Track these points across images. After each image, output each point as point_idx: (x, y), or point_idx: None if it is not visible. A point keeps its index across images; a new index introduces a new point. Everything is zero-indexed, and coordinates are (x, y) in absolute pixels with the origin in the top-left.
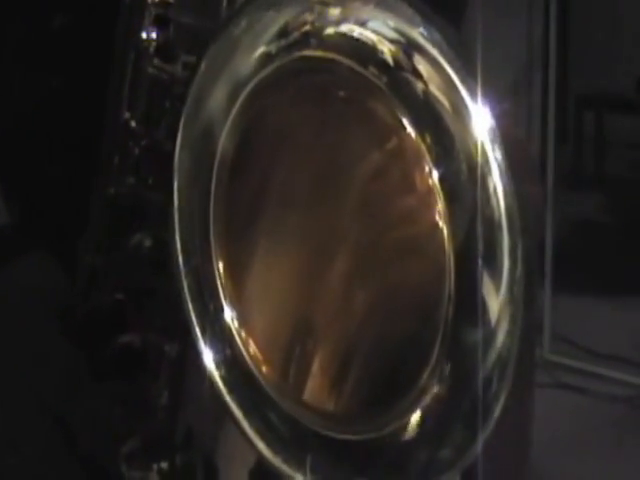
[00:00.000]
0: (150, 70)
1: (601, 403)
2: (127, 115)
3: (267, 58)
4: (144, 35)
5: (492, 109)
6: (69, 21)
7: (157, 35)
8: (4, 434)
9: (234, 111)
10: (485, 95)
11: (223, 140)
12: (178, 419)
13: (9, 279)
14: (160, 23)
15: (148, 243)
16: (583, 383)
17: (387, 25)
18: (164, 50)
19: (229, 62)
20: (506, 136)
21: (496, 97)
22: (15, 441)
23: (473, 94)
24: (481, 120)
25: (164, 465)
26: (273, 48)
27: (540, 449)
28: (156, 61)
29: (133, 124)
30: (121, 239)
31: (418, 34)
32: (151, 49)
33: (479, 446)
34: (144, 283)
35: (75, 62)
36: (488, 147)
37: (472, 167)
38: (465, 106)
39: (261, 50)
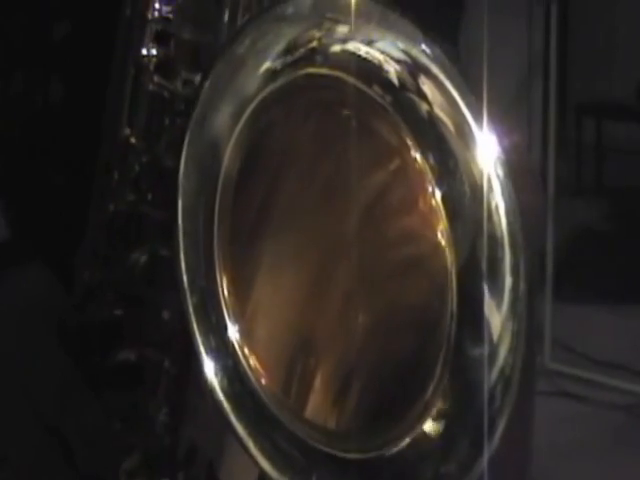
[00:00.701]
0: (150, 87)
1: (601, 411)
2: (127, 131)
3: (272, 74)
4: (144, 51)
5: (498, 138)
6: (69, 35)
7: (157, 51)
8: None
9: (238, 128)
10: (491, 122)
11: (227, 157)
12: (180, 435)
13: (6, 291)
14: (160, 39)
15: (147, 259)
16: (583, 391)
17: (394, 45)
18: (164, 67)
19: (234, 79)
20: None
21: (503, 126)
22: (8, 455)
23: (478, 119)
24: (487, 148)
25: None
26: (278, 64)
27: (541, 456)
28: (156, 78)
29: (133, 140)
30: (120, 254)
31: (422, 53)
32: (151, 65)
33: (484, 462)
34: (143, 299)
35: (75, 76)
36: (490, 166)
37: (474, 187)
38: (469, 127)
39: (266, 66)
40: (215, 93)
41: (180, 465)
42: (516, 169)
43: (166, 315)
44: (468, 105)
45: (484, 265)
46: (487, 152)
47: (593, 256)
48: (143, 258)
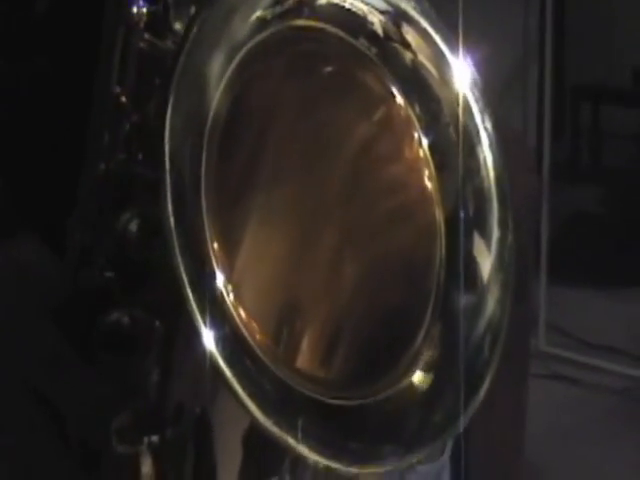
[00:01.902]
0: (141, 45)
1: (596, 394)
2: (117, 90)
3: (262, 23)
4: (134, 9)
5: (473, 61)
6: None
7: (148, 9)
8: None
9: (227, 75)
10: (466, 49)
11: (215, 106)
12: (169, 393)
13: None
14: None
15: (139, 219)
16: (578, 374)
17: None
18: (155, 24)
19: (224, 27)
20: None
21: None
22: None
23: (454, 50)
24: (463, 73)
25: (155, 439)
26: (268, 14)
27: (535, 440)
28: (147, 35)
29: (123, 99)
30: (111, 216)
31: (407, 4)
32: (141, 23)
33: (465, 413)
34: (134, 260)
35: (65, 36)
36: (478, 118)
37: (460, 134)
38: (452, 74)
39: (257, 14)
40: (204, 40)
41: (169, 421)
42: (509, 147)
43: (157, 275)
44: (453, 53)
45: (472, 214)
46: (467, 85)
47: (588, 240)
48: (135, 219)
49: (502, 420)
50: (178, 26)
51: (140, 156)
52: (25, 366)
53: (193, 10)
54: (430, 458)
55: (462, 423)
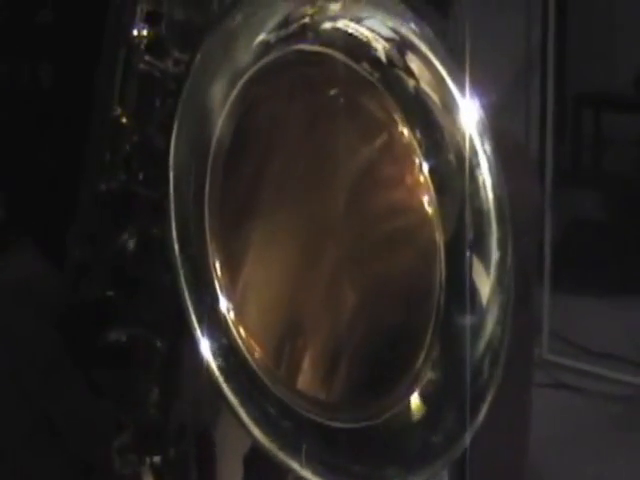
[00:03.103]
0: (141, 66)
1: (599, 402)
2: (118, 111)
3: (266, 47)
4: (135, 31)
5: (480, 101)
6: (60, 15)
7: (148, 31)
8: None
9: (230, 100)
10: (474, 88)
11: (219, 131)
12: (171, 413)
13: None
14: (151, 19)
15: (139, 238)
16: (581, 383)
17: (382, 23)
18: (155, 46)
19: (226, 53)
20: (502, 135)
21: (485, 90)
22: None
23: (462, 88)
24: (469, 113)
25: (157, 459)
26: (272, 37)
27: (538, 448)
28: (147, 57)
29: (124, 120)
30: (111, 234)
31: (411, 31)
32: (142, 45)
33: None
34: (134, 278)
35: (66, 57)
36: (477, 141)
37: (461, 161)
38: (454, 101)
39: (260, 39)
40: (207, 67)
41: (171, 441)
42: (511, 157)
43: (158, 295)
44: (454, 80)
45: (471, 236)
46: (472, 122)
47: (591, 247)
48: (134, 238)
49: (505, 428)
50: (177, 53)
51: (140, 176)
52: (24, 382)
53: (194, 33)
54: (438, 471)
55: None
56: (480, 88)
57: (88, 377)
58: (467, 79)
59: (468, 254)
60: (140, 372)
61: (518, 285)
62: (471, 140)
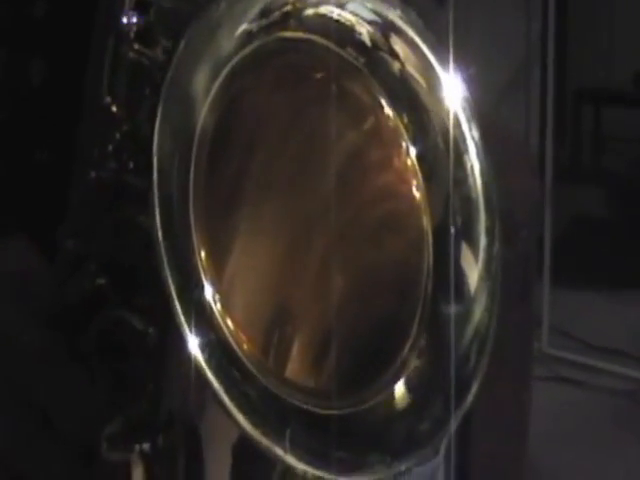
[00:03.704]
0: (131, 55)
1: (599, 397)
2: (108, 100)
3: (248, 37)
4: (124, 19)
5: (464, 77)
6: (50, 5)
7: (137, 19)
8: None
9: (214, 89)
10: (457, 64)
11: (203, 119)
12: (160, 401)
13: None
14: (141, 7)
15: (130, 227)
16: (581, 377)
17: (365, 7)
18: (145, 35)
19: (210, 42)
20: (502, 131)
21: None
22: None
23: (445, 65)
24: (453, 89)
25: (146, 446)
26: (254, 27)
27: (538, 442)
28: (137, 46)
29: (114, 109)
30: (102, 223)
31: (395, 15)
32: (131, 34)
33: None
34: (125, 267)
35: (55, 47)
36: (465, 126)
37: (449, 145)
38: (440, 83)
39: (243, 28)
40: (190, 55)
41: (160, 429)
42: (510, 153)
43: (148, 283)
44: (439, 60)
45: (459, 222)
46: (458, 102)
47: (591, 242)
48: (126, 226)
49: (505, 422)
50: (165, 41)
51: (131, 165)
52: (14, 370)
53: (182, 22)
54: (424, 460)
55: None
56: (465, 66)
57: (80, 367)
58: (450, 53)
59: (455, 240)
60: (131, 360)
61: (518, 280)
62: (459, 125)
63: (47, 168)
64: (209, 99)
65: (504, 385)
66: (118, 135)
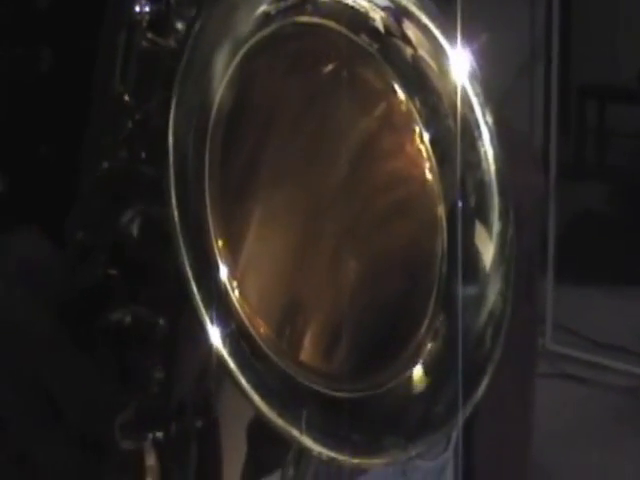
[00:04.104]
0: (143, 44)
1: (603, 393)
2: (120, 89)
3: (266, 19)
4: (137, 8)
5: (472, 51)
6: None
7: (150, 8)
8: None
9: (230, 71)
10: (465, 40)
11: (218, 100)
12: (172, 389)
13: None
14: None
15: (141, 217)
16: (585, 373)
17: None
18: (157, 24)
19: (227, 22)
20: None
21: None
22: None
23: (452, 40)
24: (461, 64)
25: (159, 434)
26: (272, 9)
27: (542, 439)
28: (149, 35)
29: (126, 98)
30: (113, 214)
31: (408, 1)
32: (144, 23)
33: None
34: (136, 258)
35: (68, 35)
36: (478, 112)
37: (461, 129)
38: (451, 65)
39: (262, 9)
40: (207, 36)
41: (172, 417)
42: (516, 149)
43: (159, 274)
44: (451, 44)
45: (473, 207)
46: (465, 74)
47: (595, 239)
48: (137, 217)
49: (509, 419)
50: (180, 25)
51: (143, 154)
52: (26, 361)
53: (196, 8)
54: (433, 454)
55: (461, 415)
56: (476, 47)
57: (90, 356)
58: (459, 27)
59: (469, 220)
60: (142, 350)
61: (522, 276)
62: (472, 110)
63: (59, 157)
64: (225, 79)
65: (508, 382)
66: (130, 124)
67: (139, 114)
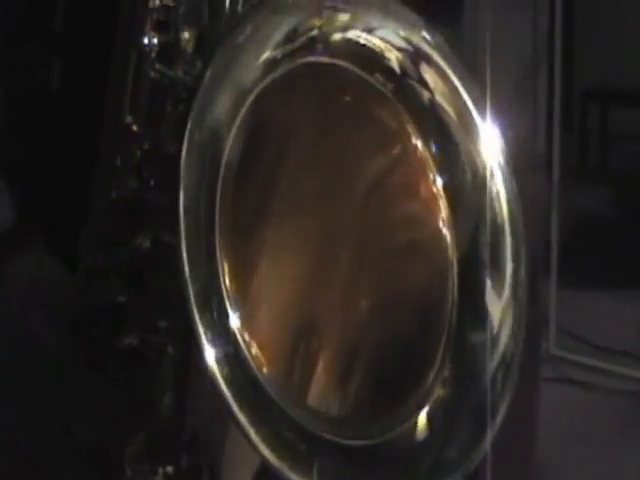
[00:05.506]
0: (152, 74)
1: (606, 398)
2: (129, 119)
3: (272, 63)
4: (145, 40)
5: (501, 127)
6: (71, 24)
7: (158, 40)
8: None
9: (240, 116)
10: (494, 111)
11: (229, 145)
12: (184, 421)
13: (10, 276)
14: (161, 28)
15: (150, 244)
16: (588, 378)
17: (395, 33)
18: (165, 55)
19: (234, 68)
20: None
21: (505, 115)
22: (11, 437)
23: (480, 107)
24: (489, 137)
25: (169, 469)
26: (278, 53)
27: (545, 443)
28: (158, 65)
29: (135, 128)
30: (123, 240)
31: (423, 40)
32: (153, 54)
33: (487, 447)
34: (146, 284)
35: (77, 65)
36: (493, 157)
37: (476, 174)
38: (470, 115)
39: (266, 55)
40: (216, 82)
41: (183, 450)
42: (520, 154)
43: (169, 300)
44: (469, 93)
45: (485, 252)
46: (489, 140)
47: (598, 243)
48: (146, 244)
49: (512, 423)
50: (187, 61)
51: (152, 182)
52: (37, 384)
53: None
54: None
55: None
56: (498, 108)
57: (101, 378)
58: (487, 99)
59: (482, 269)
60: (152, 378)
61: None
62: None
63: (69, 181)
64: (234, 126)
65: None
66: (139, 153)
67: (148, 143)
